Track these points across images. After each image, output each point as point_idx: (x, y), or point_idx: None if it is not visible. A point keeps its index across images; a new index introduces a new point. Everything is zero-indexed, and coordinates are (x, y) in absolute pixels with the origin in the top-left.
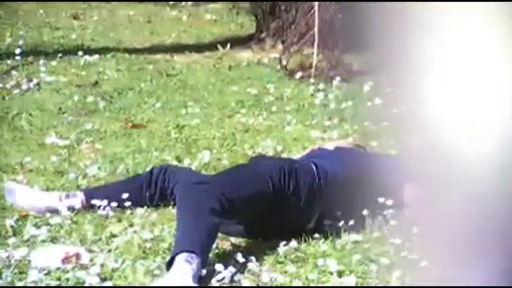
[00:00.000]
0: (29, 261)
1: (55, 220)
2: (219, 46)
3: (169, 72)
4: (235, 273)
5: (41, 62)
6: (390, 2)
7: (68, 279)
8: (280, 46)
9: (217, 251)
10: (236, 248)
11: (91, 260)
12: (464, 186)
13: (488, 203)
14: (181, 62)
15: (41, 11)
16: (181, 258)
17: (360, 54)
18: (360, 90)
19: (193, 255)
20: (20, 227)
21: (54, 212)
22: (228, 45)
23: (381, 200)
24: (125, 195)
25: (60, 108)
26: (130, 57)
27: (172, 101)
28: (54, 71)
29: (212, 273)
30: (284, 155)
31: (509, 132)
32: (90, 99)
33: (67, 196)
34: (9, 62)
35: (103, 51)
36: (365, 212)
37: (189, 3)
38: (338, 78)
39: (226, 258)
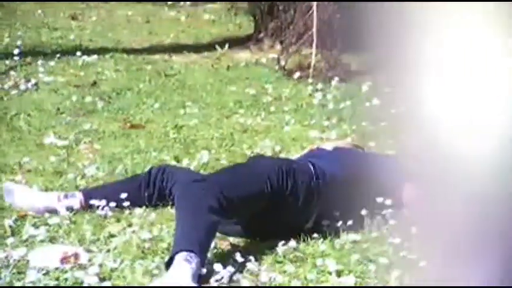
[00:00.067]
0: (28, 261)
1: (54, 220)
2: (217, 46)
3: (167, 72)
4: (234, 273)
5: (39, 62)
6: (388, 2)
7: (66, 279)
8: (278, 46)
9: (216, 250)
10: (235, 247)
11: (89, 260)
12: (462, 186)
13: (487, 202)
14: (180, 62)
15: (39, 12)
16: (180, 258)
17: (358, 54)
18: (358, 91)
19: (192, 254)
20: (19, 227)
21: (53, 212)
22: (227, 46)
23: (380, 199)
24: (124, 195)
25: (58, 109)
26: (128, 58)
27: (171, 101)
28: (53, 72)
29: (211, 273)
30: (282, 155)
31: (507, 132)
32: (88, 99)
33: (66, 196)
34: (7, 62)
35: (101, 51)
36: (364, 212)
37: (188, 3)
38: (336, 78)
39: (225, 258)
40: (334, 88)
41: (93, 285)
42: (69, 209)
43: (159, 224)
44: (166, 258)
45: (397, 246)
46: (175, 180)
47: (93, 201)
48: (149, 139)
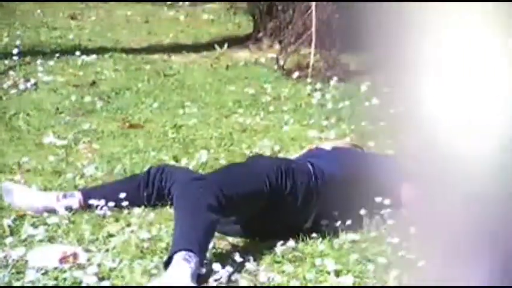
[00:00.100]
0: (27, 261)
1: (52, 220)
2: (216, 46)
3: (166, 72)
4: (233, 272)
5: (39, 62)
6: (387, 2)
7: (65, 279)
8: (277, 46)
9: (214, 250)
10: (233, 247)
11: (88, 260)
12: (461, 185)
13: (486, 202)
14: (179, 62)
15: (39, 11)
16: (179, 257)
17: (357, 54)
18: (357, 90)
19: (191, 253)
20: (18, 226)
21: (52, 211)
22: (226, 45)
23: (379, 199)
24: (123, 195)
25: (57, 108)
26: (127, 57)
27: (170, 101)
28: (52, 71)
29: (209, 272)
30: (281, 155)
31: (506, 132)
32: (87, 99)
33: (64, 196)
34: (6, 62)
35: (100, 51)
36: (362, 212)
37: (187, 3)
38: (335, 78)
39: (223, 257)
40: (333, 88)
41: (92, 284)
42: (68, 208)
43: (157, 223)
44: (165, 258)
45: (395, 246)
46: (174, 180)
47: (92, 201)
48: (148, 139)
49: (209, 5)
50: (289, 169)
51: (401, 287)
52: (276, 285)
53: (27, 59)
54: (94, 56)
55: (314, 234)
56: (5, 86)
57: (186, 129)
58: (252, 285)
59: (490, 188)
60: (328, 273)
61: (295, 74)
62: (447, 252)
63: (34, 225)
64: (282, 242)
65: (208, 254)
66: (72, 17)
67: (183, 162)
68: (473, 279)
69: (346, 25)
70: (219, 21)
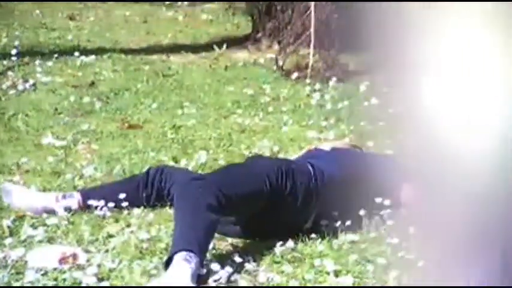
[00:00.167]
0: (26, 261)
1: (52, 221)
2: (215, 46)
3: (165, 72)
4: (232, 273)
5: (37, 62)
6: (386, 2)
7: (64, 280)
8: (276, 46)
9: (214, 251)
10: (233, 248)
11: (88, 261)
12: (461, 185)
13: (486, 202)
14: (178, 62)
15: (37, 12)
16: (179, 257)
17: (356, 54)
18: (356, 91)
19: (191, 254)
20: (17, 227)
21: (51, 212)
22: (224, 46)
23: (378, 200)
24: (122, 196)
25: (56, 109)
26: (126, 58)
27: (169, 101)
28: (51, 72)
29: (209, 273)
30: (280, 156)
31: (506, 131)
32: (86, 99)
33: (64, 197)
34: (5, 62)
35: (99, 51)
36: (362, 212)
37: (185, 3)
38: (334, 78)
39: (223, 258)
40: (332, 88)
41: (91, 285)
42: (67, 209)
43: (157, 224)
44: (165, 258)
45: (395, 246)
46: (173, 180)
47: (91, 202)
48: (147, 139)
49: (208, 5)
50: (289, 170)
51: (401, 287)
52: (275, 285)
53: (26, 59)
54: (93, 57)
55: (313, 235)
56: (3, 86)
57: (185, 129)
58: (251, 285)
59: (489, 188)
60: (328, 273)
61: (294, 75)
62: (447, 252)
63: (33, 226)
64: (281, 242)
65: (207, 255)
66: (71, 18)
67: (182, 162)
68: (473, 279)
69: (345, 25)
70: (218, 21)
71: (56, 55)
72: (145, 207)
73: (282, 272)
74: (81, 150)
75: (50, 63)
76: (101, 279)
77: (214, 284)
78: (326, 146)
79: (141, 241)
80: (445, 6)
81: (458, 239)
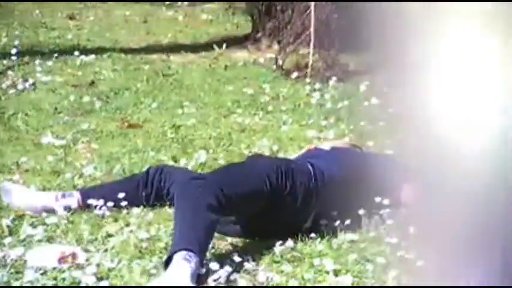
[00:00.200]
0: (25, 260)
1: (51, 220)
2: (215, 46)
3: (165, 72)
4: (232, 272)
5: (37, 62)
6: (386, 2)
7: (64, 279)
8: (276, 46)
9: (213, 250)
10: (232, 247)
11: (87, 260)
12: (461, 185)
13: (486, 202)
14: (178, 62)
15: (37, 11)
16: (179, 257)
17: (356, 54)
18: (356, 90)
19: (191, 253)
20: (16, 226)
21: (51, 211)
22: (224, 45)
23: (378, 199)
24: (121, 195)
25: (56, 108)
26: (126, 57)
27: (169, 101)
28: (50, 71)
29: (208, 272)
30: (280, 155)
31: (506, 131)
32: (86, 99)
33: (63, 196)
34: (5, 62)
35: (99, 51)
36: (361, 212)
37: (185, 3)
38: (334, 78)
39: (222, 257)
40: (332, 88)
41: (90, 284)
42: (67, 208)
43: (156, 223)
44: (165, 258)
45: (394, 246)
46: (173, 180)
47: (90, 201)
48: (147, 139)
49: (208, 5)
50: (289, 169)
51: (400, 287)
52: (274, 285)
53: (26, 59)
54: (93, 56)
55: (313, 234)
56: (3, 86)
57: (185, 129)
58: (250, 285)
59: (489, 188)
60: (327, 273)
61: (294, 74)
62: (446, 252)
63: (33, 225)
64: (280, 242)
65: (207, 254)
66: (71, 17)
67: (182, 162)
68: (473, 279)
69: (345, 25)
70: (218, 21)
71: (55, 54)
72: (144, 206)
73: (282, 271)
74: (80, 150)
75: (49, 63)
76: (100, 279)
77: (213, 284)
78: (326, 146)
79: (141, 240)
80: (445, 6)
81: (458, 239)
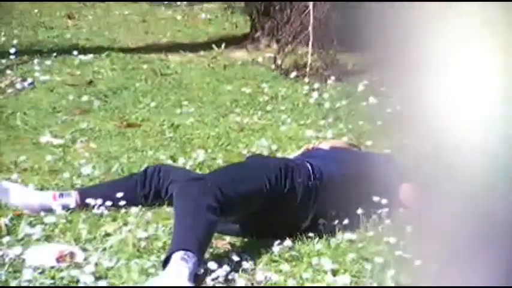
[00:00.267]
0: (23, 260)
1: (49, 219)
2: (213, 46)
3: (164, 71)
4: (230, 272)
5: (36, 61)
6: (386, 2)
7: (62, 278)
8: (274, 45)
9: (211, 250)
10: (231, 246)
11: (85, 259)
12: (461, 185)
13: (485, 202)
14: (176, 61)
15: (36, 11)
16: (177, 257)
17: (354, 53)
18: (355, 90)
19: (189, 253)
20: (15, 225)
21: (49, 211)
22: (223, 45)
23: (376, 199)
24: (120, 194)
25: (54, 108)
26: (125, 57)
27: (167, 100)
28: (49, 70)
29: (206, 272)
30: (279, 154)
31: (506, 131)
32: (84, 98)
33: (61, 195)
34: (3, 61)
35: (98, 50)
36: (360, 211)
37: (184, 2)
38: (333, 77)
39: (220, 257)
40: (331, 87)
41: (88, 284)
42: (65, 207)
43: (154, 223)
44: (163, 257)
45: (392, 245)
46: (171, 179)
47: (89, 200)
48: (145, 138)
49: (206, 5)
50: (288, 169)
51: (398, 286)
52: (273, 284)
53: (25, 58)
54: (91, 56)
55: (311, 234)
56: (2, 85)
57: (184, 128)
58: (249, 284)
59: (489, 188)
60: (325, 272)
61: (293, 74)
62: (446, 252)
63: (31, 225)
64: (279, 241)
65: (205, 253)
66: (69, 17)
67: (180, 161)
68: (473, 279)
69: (344, 24)
70: (217, 20)
71: (54, 54)
72: (143, 205)
73: (280, 270)
74: (79, 149)
75: (48, 62)
76: (98, 278)
77: (211, 283)
78: (324, 145)
79: (139, 240)
80: (445, 6)
81: (458, 239)
